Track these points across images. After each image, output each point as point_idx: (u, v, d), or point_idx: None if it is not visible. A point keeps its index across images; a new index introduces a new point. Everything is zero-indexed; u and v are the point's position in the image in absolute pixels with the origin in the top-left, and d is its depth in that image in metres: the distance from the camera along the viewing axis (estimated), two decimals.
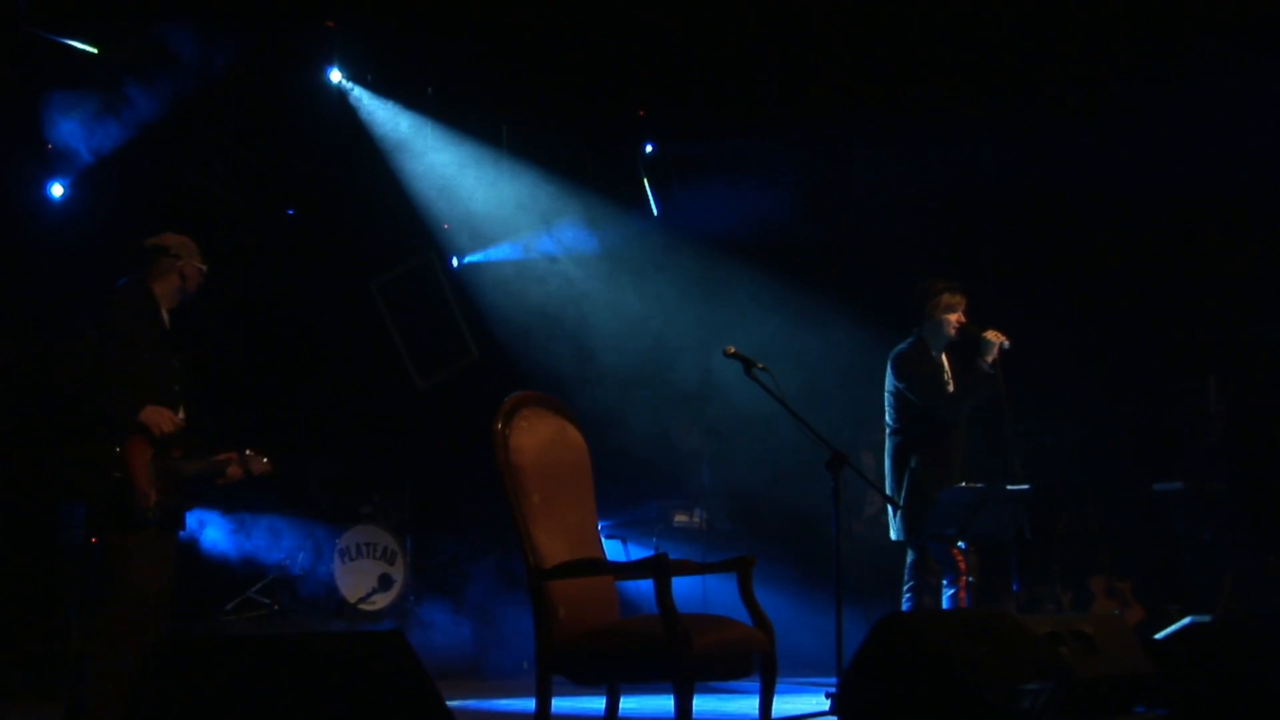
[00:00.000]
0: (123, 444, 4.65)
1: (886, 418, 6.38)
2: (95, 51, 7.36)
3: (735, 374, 5.25)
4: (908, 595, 6.23)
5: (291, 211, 9.05)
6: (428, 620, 7.97)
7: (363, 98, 8.84)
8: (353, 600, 7.84)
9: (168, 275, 4.98)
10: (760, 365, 5.10)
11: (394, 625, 7.56)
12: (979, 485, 5.94)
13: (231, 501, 7.75)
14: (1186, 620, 5.32)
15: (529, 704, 4.31)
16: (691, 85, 9.01)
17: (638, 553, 8.44)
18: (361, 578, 7.96)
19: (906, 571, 6.27)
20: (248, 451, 5.18)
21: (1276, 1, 7.66)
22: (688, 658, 3.94)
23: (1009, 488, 5.96)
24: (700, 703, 4.15)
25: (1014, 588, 6.31)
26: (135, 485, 4.64)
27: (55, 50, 7.25)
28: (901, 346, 6.40)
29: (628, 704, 4.63)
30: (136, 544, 4.69)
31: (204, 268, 5.10)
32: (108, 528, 4.64)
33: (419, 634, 7.56)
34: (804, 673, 6.81)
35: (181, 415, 4.89)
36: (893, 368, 6.35)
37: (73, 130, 7.21)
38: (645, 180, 9.83)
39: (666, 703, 4.06)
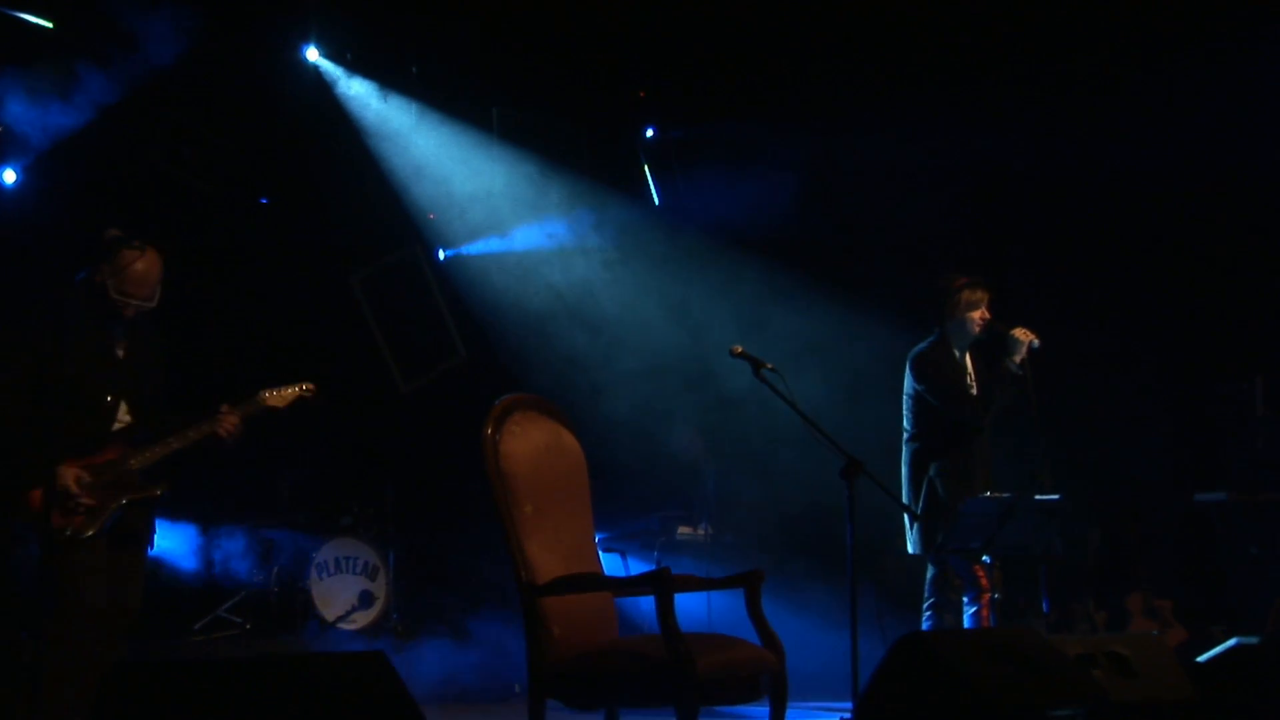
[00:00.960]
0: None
1: (904, 422, 6.37)
2: (50, 26, 7.35)
3: (744, 375, 5.24)
4: (928, 613, 6.23)
5: (265, 200, 9.04)
6: (412, 639, 7.96)
7: (341, 78, 8.83)
8: (331, 619, 7.83)
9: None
10: (769, 365, 5.09)
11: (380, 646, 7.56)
12: (1005, 495, 5.94)
13: (199, 512, 7.74)
14: (1232, 642, 5.30)
15: None
16: (695, 64, 9.00)
17: (638, 567, 8.43)
18: (341, 594, 7.95)
19: (926, 588, 6.26)
20: (267, 393, 5.07)
21: None
22: (691, 680, 3.93)
23: (1037, 498, 5.95)
24: None
25: (1043, 606, 6.30)
26: (41, 514, 4.56)
27: (5, 24, 7.22)
28: (921, 346, 6.39)
29: None
30: (79, 560, 4.65)
31: (120, 294, 4.81)
32: (46, 544, 4.58)
33: (400, 655, 7.55)
34: (817, 696, 6.80)
35: (126, 417, 4.84)
36: (912, 368, 6.35)
37: (25, 111, 7.18)
38: (646, 167, 9.82)
39: None
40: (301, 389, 5.18)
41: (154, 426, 4.91)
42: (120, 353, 4.91)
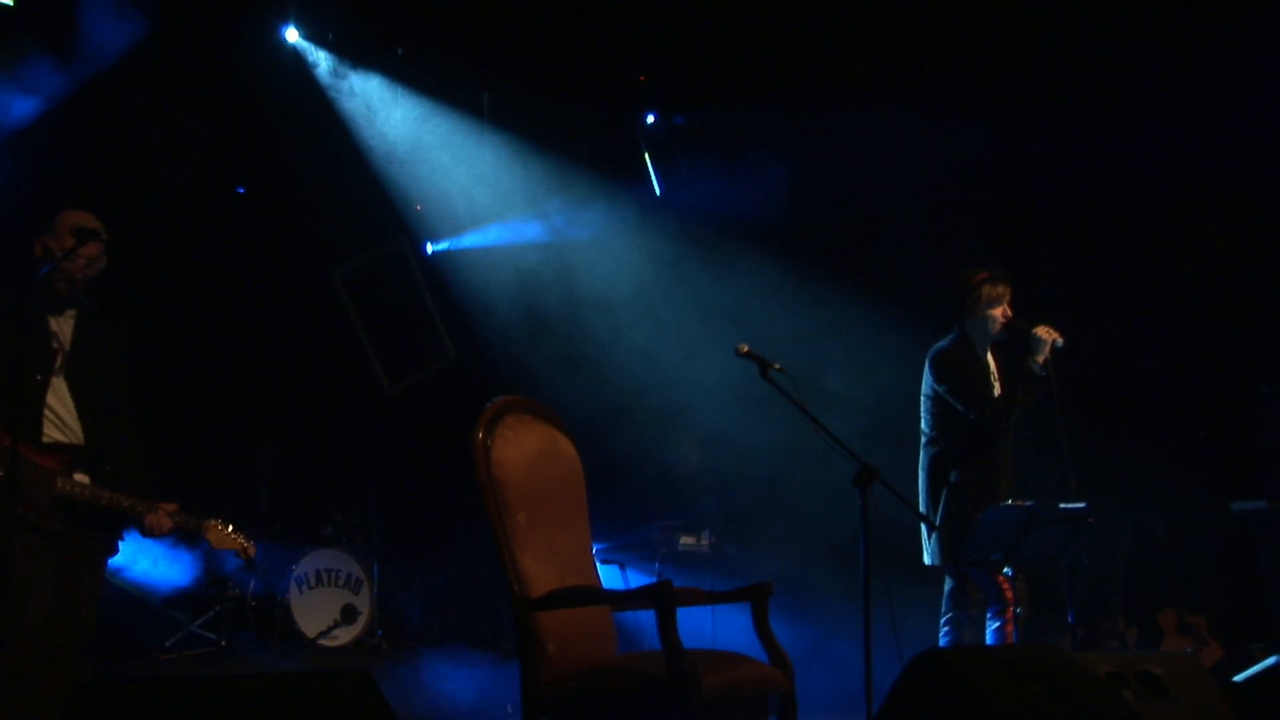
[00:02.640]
0: None
1: (922, 424, 6.37)
2: (10, 4, 7.35)
3: (751, 376, 5.23)
4: (945, 629, 6.22)
5: (242, 190, 9.05)
6: (398, 657, 7.97)
7: (323, 60, 8.83)
8: (312, 635, 7.83)
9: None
10: (777, 366, 5.08)
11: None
12: (1027, 503, 5.93)
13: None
14: (1271, 660, 5.30)
15: None
16: (698, 46, 8.99)
17: (638, 580, 8.43)
18: (322, 609, 7.95)
19: (944, 601, 6.26)
20: (214, 525, 5.01)
21: None
22: (695, 700, 3.93)
23: (1063, 506, 5.94)
24: None
25: (1069, 621, 6.30)
26: None
27: None
28: (942, 344, 6.38)
29: None
30: (23, 575, 4.59)
31: (68, 259, 4.74)
32: None
33: (386, 674, 7.55)
34: (828, 717, 6.80)
35: (68, 426, 4.76)
36: (932, 368, 6.34)
37: None
38: (646, 155, 9.82)
39: None
40: (243, 547, 5.09)
41: (104, 469, 4.82)
42: (61, 339, 4.83)
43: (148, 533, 4.90)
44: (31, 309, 4.76)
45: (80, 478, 4.77)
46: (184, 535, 5.00)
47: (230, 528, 5.10)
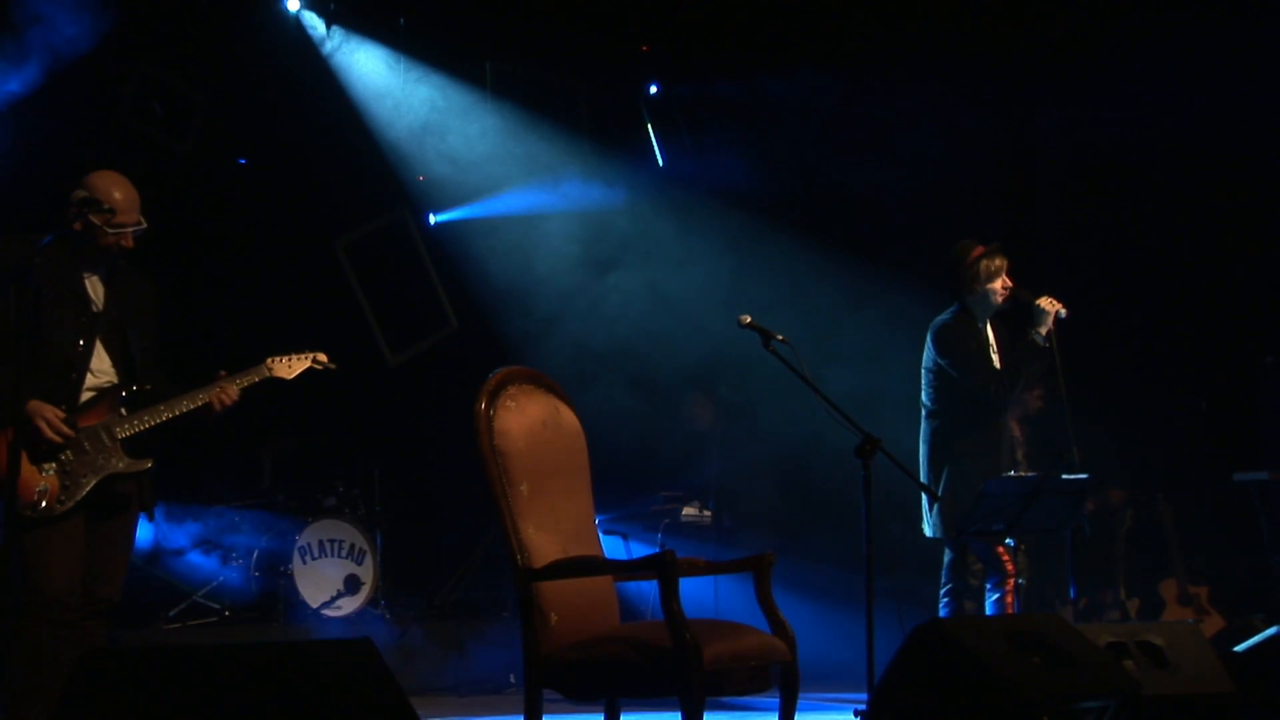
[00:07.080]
0: None
1: (923, 397, 6.37)
2: None
3: (753, 347, 5.23)
4: (945, 599, 6.25)
5: (244, 160, 9.02)
6: (401, 627, 7.99)
7: (325, 29, 8.80)
8: (315, 605, 7.85)
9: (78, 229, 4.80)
10: (780, 337, 5.09)
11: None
12: (1029, 475, 5.93)
13: (175, 492, 7.75)
14: (1271, 630, 5.32)
15: None
16: (701, 16, 8.96)
17: (640, 550, 8.45)
18: (325, 579, 7.97)
19: (944, 573, 6.28)
20: (273, 361, 4.92)
21: None
22: (697, 670, 3.94)
23: (1064, 477, 5.95)
24: None
25: (1071, 592, 6.32)
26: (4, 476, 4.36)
27: None
28: (944, 317, 6.38)
29: None
30: (37, 540, 4.57)
31: (117, 227, 4.72)
32: (8, 517, 4.47)
33: (389, 643, 7.57)
34: (830, 687, 6.83)
35: (109, 369, 4.74)
36: (934, 341, 6.34)
37: None
38: (649, 125, 9.79)
39: None
40: (313, 359, 5.06)
41: (144, 390, 4.79)
42: (99, 303, 4.84)
43: (219, 412, 4.81)
44: (69, 281, 4.73)
45: (124, 411, 4.74)
46: (252, 392, 4.93)
47: (290, 355, 5.02)
